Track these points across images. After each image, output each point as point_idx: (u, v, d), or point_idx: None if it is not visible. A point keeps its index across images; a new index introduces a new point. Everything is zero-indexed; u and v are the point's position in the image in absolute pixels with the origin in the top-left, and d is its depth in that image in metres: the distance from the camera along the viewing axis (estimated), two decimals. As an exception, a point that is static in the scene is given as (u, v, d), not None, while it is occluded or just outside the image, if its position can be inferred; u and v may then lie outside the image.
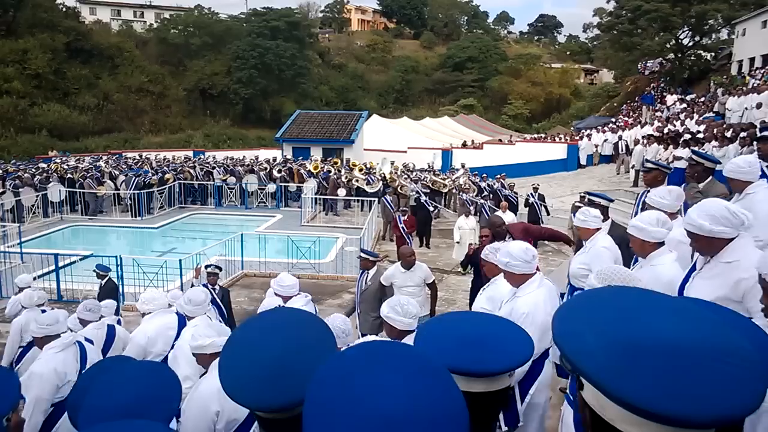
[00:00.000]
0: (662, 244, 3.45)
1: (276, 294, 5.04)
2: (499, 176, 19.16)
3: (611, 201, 5.69)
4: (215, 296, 7.30)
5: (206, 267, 7.93)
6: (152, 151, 32.44)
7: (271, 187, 20.51)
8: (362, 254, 7.03)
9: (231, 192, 21.05)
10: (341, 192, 18.81)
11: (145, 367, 2.04)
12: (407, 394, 0.94)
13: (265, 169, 22.49)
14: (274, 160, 25.66)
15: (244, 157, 27.68)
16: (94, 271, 8.59)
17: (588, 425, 0.95)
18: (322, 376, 1.01)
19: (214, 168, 22.77)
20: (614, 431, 0.88)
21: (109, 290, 8.18)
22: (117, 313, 6.72)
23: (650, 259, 3.45)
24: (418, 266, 6.52)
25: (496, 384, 1.37)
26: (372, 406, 0.91)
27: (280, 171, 21.70)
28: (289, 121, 30.40)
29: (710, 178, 5.07)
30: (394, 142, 30.50)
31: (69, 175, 19.99)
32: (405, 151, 28.34)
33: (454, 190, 19.18)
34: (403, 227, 12.37)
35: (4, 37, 39.47)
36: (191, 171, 21.99)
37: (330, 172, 20.50)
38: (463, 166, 24.13)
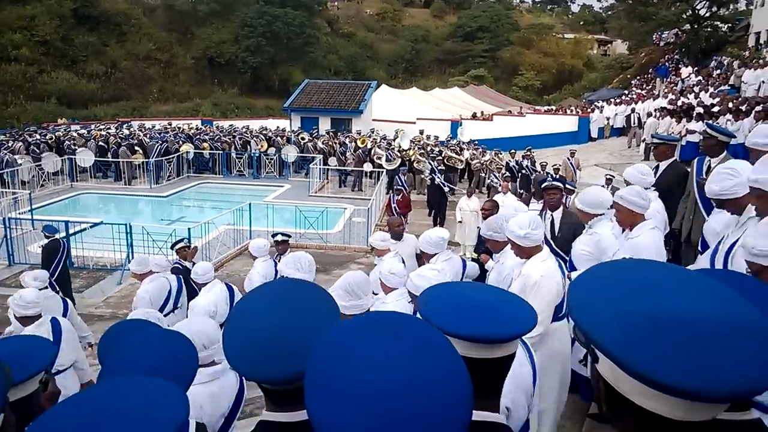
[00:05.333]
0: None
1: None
2: (573, 151, 17.04)
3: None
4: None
5: (173, 245, 7.65)
6: (162, 120, 32.38)
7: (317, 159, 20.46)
8: (280, 236, 6.94)
9: (239, 161, 21.09)
10: (367, 166, 18.49)
11: (163, 334, 2.07)
12: (407, 365, 0.94)
13: (305, 140, 22.37)
14: (316, 131, 25.50)
15: (278, 127, 27.43)
16: (43, 232, 8.93)
17: (603, 398, 0.95)
18: (321, 348, 1.00)
19: (252, 138, 22.76)
20: (629, 404, 0.88)
21: (48, 250, 8.57)
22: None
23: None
24: (407, 237, 6.53)
25: (500, 351, 1.37)
26: (371, 379, 0.91)
27: (325, 143, 21.51)
28: (297, 91, 30.14)
29: (724, 153, 5.00)
30: (403, 113, 30.19)
31: (101, 143, 20.29)
32: (414, 122, 28.05)
33: (483, 170, 18.54)
34: (395, 207, 12.19)
35: (12, 3, 39.02)
36: (228, 141, 22.08)
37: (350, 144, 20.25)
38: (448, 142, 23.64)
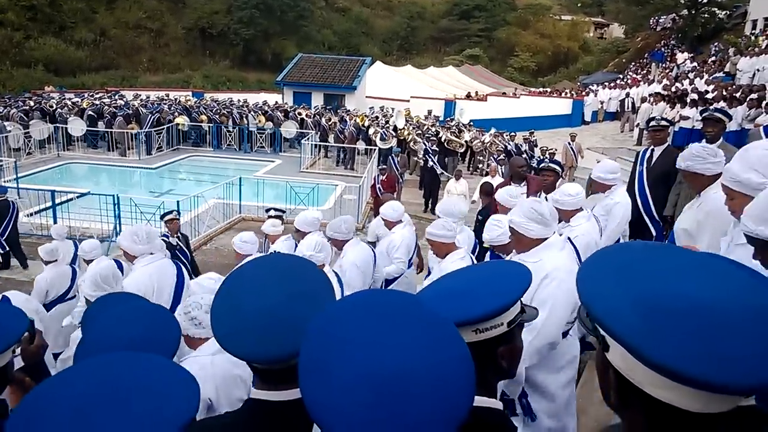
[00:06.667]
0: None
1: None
2: (573, 134, 16.00)
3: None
4: (180, 244, 7.28)
5: (163, 216, 7.65)
6: (153, 90, 31.87)
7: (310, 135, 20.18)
8: (273, 211, 6.95)
9: (229, 135, 20.84)
10: (359, 144, 18.27)
11: (145, 307, 2.02)
12: (408, 348, 0.89)
13: (301, 115, 22.06)
14: (324, 107, 25.07)
15: (276, 102, 27.06)
16: None
17: (612, 387, 0.90)
18: (316, 328, 0.95)
19: (250, 112, 22.35)
20: (641, 395, 0.83)
21: None
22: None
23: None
24: None
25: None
26: (368, 361, 0.87)
27: (329, 120, 21.23)
28: (290, 65, 29.76)
29: (721, 139, 5.01)
30: (397, 91, 29.92)
31: (90, 112, 19.99)
32: (408, 100, 27.85)
33: (483, 152, 18.35)
34: (379, 188, 12.08)
35: (-3, -36, 38.00)
36: (225, 114, 21.78)
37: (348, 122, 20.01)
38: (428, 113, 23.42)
